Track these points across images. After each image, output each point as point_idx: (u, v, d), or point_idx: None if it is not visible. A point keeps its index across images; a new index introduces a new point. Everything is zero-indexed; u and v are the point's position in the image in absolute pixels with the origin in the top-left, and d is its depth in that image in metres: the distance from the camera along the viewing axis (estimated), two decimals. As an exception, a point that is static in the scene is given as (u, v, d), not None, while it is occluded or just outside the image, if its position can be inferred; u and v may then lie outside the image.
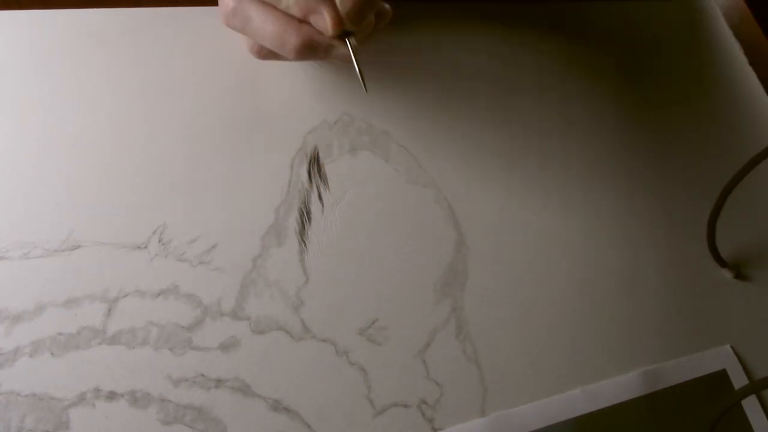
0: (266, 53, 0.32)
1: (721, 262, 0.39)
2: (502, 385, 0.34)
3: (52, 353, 0.29)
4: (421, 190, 0.37)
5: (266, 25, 0.29)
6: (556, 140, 0.40)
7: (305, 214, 0.34)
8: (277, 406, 0.31)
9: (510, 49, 0.42)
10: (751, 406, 0.37)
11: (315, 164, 0.35)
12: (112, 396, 0.29)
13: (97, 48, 0.35)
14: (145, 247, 0.32)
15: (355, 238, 0.35)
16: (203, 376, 0.30)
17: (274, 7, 0.29)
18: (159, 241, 0.32)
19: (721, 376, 0.37)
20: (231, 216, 0.33)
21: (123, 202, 0.32)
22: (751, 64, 0.47)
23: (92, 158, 0.33)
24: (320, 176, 0.35)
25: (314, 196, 0.35)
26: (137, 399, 0.29)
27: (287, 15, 0.29)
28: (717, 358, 0.37)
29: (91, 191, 0.32)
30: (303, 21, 0.30)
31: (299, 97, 0.36)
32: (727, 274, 0.39)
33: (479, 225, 0.37)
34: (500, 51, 0.42)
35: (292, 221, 0.34)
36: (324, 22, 0.29)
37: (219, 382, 0.30)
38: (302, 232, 0.34)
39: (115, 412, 0.29)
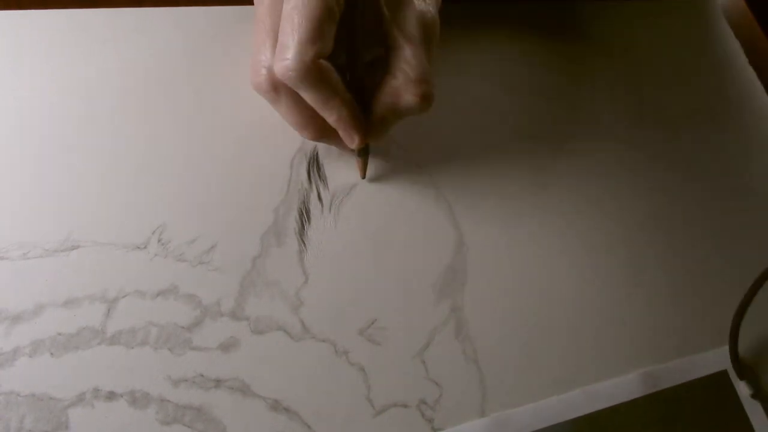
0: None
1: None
2: (502, 386, 0.34)
3: (51, 353, 0.29)
4: (421, 189, 0.37)
5: (290, 116, 0.31)
6: (555, 140, 0.40)
7: (305, 214, 0.34)
8: (277, 406, 0.31)
9: (510, 48, 0.42)
10: (751, 405, 0.37)
11: (314, 164, 0.35)
12: (111, 396, 0.29)
13: (97, 48, 0.35)
14: (145, 247, 0.32)
15: (354, 238, 0.35)
16: (202, 376, 0.30)
17: (302, 105, 0.30)
18: (158, 241, 0.32)
19: (722, 377, 0.37)
20: (230, 216, 0.33)
21: (122, 203, 0.32)
22: (751, 64, 0.47)
23: (91, 158, 0.33)
24: (320, 176, 0.35)
25: (314, 196, 0.35)
26: (136, 399, 0.29)
27: (313, 112, 0.31)
28: (717, 358, 0.37)
29: (90, 191, 0.32)
30: None
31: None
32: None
33: (479, 225, 0.37)
34: (500, 49, 0.42)
35: (292, 221, 0.34)
36: (351, 139, 0.31)
37: (218, 383, 0.30)
38: (302, 232, 0.34)
39: (114, 413, 0.29)
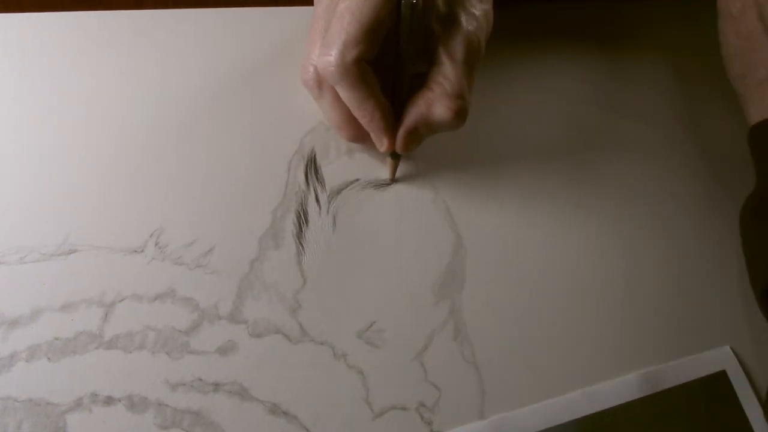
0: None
1: None
2: (501, 388, 0.33)
3: (48, 358, 0.29)
4: (419, 191, 0.36)
5: (330, 113, 0.33)
6: (555, 139, 0.40)
7: (302, 216, 0.34)
8: (275, 410, 0.30)
9: (510, 49, 0.42)
10: (751, 406, 0.37)
11: (312, 166, 0.35)
12: (109, 401, 0.29)
13: (97, 50, 0.35)
14: (142, 251, 0.32)
15: (352, 241, 0.34)
16: (201, 380, 0.30)
17: (342, 105, 0.32)
18: (155, 245, 0.32)
19: (721, 377, 0.37)
20: (228, 219, 0.33)
21: (119, 206, 0.32)
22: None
23: (89, 162, 0.33)
24: (317, 178, 0.35)
25: (311, 199, 0.35)
26: (134, 404, 0.29)
27: (351, 114, 0.32)
28: (717, 359, 0.37)
29: (87, 195, 0.32)
30: None
31: (296, 100, 0.36)
32: None
33: (477, 227, 0.36)
34: (500, 49, 0.42)
35: (290, 224, 0.34)
36: (380, 142, 0.33)
37: (216, 386, 0.30)
38: (299, 235, 0.34)
39: (112, 417, 0.29)
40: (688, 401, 0.36)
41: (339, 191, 0.35)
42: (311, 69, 0.32)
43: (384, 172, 0.36)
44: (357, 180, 0.36)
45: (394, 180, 0.36)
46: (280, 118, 0.36)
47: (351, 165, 0.36)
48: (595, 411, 0.34)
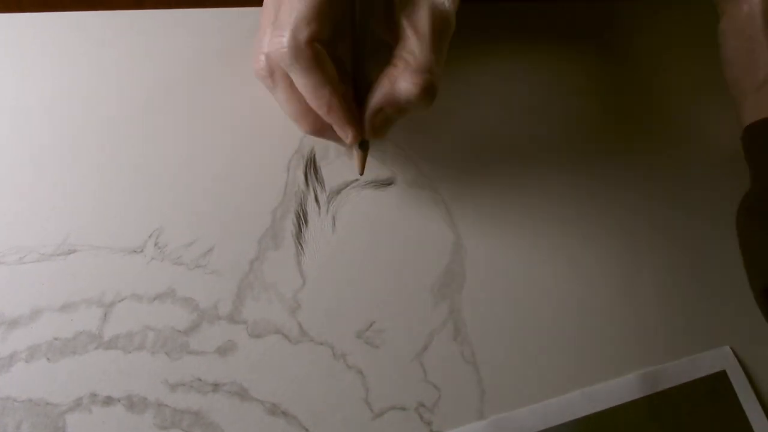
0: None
1: None
2: (501, 388, 0.33)
3: (48, 358, 0.29)
4: (418, 191, 0.36)
5: (286, 105, 0.31)
6: (555, 140, 0.40)
7: (302, 216, 0.34)
8: (275, 410, 0.30)
9: (510, 50, 0.42)
10: (751, 406, 0.37)
11: (312, 166, 0.35)
12: (108, 401, 0.29)
13: (97, 50, 0.35)
14: (141, 251, 0.32)
15: (351, 241, 0.34)
16: (200, 380, 0.30)
17: (298, 93, 0.29)
18: (155, 245, 0.32)
19: (721, 378, 0.37)
20: (227, 219, 0.33)
21: (119, 206, 0.32)
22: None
23: (88, 162, 0.33)
24: (317, 179, 0.35)
25: (311, 199, 0.35)
26: (134, 404, 0.29)
27: (308, 105, 0.29)
28: (716, 359, 0.37)
29: (86, 195, 0.32)
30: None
31: (295, 99, 0.36)
32: None
33: (476, 227, 0.36)
34: (499, 50, 0.42)
35: (289, 224, 0.34)
36: (344, 133, 0.30)
37: (216, 387, 0.30)
38: (299, 235, 0.34)
39: (111, 417, 0.29)
40: (688, 401, 0.36)
41: (338, 191, 0.35)
42: (263, 58, 0.29)
43: (384, 172, 0.36)
44: (356, 180, 0.36)
45: (362, 173, 0.33)
46: (280, 118, 0.36)
47: (350, 165, 0.36)
48: (595, 411, 0.34)
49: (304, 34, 0.27)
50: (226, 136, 0.35)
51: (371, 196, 0.36)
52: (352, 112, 0.30)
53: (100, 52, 0.35)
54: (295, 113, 0.31)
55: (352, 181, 0.36)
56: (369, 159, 0.36)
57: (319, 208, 0.35)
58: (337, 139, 0.32)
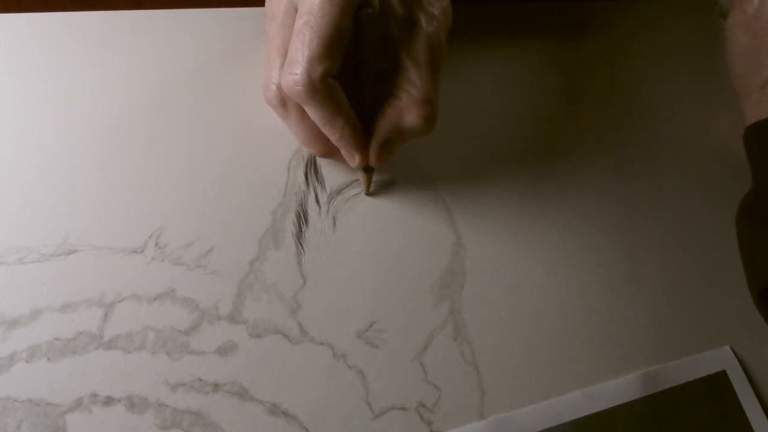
0: None
1: None
2: (501, 388, 0.33)
3: (48, 358, 0.29)
4: (419, 191, 0.36)
5: (298, 131, 0.32)
6: (554, 139, 0.40)
7: (302, 216, 0.34)
8: (275, 410, 0.30)
9: (511, 51, 0.42)
10: (751, 406, 0.37)
11: (312, 167, 0.35)
12: (108, 401, 0.29)
13: (97, 51, 0.35)
14: (142, 251, 0.32)
15: (352, 241, 0.34)
16: (200, 380, 0.30)
17: (309, 121, 0.31)
18: (155, 245, 0.32)
19: (721, 378, 0.37)
20: (228, 219, 0.33)
21: (119, 206, 0.32)
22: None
23: (88, 162, 0.33)
24: (317, 178, 0.35)
25: (311, 199, 0.35)
26: (134, 404, 0.29)
27: (319, 130, 0.31)
28: (716, 359, 0.37)
29: (87, 195, 0.32)
30: None
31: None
32: None
33: (477, 226, 0.36)
34: (500, 52, 0.42)
35: (289, 224, 0.34)
36: (352, 159, 0.32)
37: (216, 387, 0.30)
38: (299, 235, 0.34)
39: (112, 418, 0.29)
40: (688, 401, 0.36)
41: (339, 191, 0.35)
42: (273, 87, 0.30)
43: (384, 172, 0.36)
44: (357, 180, 0.36)
45: (368, 193, 0.35)
46: (279, 118, 0.36)
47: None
48: (595, 411, 0.34)
49: (318, 72, 0.28)
50: (226, 136, 0.35)
51: (371, 195, 0.36)
52: (361, 139, 0.31)
53: (100, 52, 0.35)
54: (307, 139, 0.32)
55: (353, 181, 0.36)
56: (369, 159, 0.36)
57: (320, 208, 0.35)
58: (343, 161, 0.33)
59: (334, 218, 0.35)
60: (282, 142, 0.35)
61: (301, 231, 0.34)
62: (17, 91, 0.33)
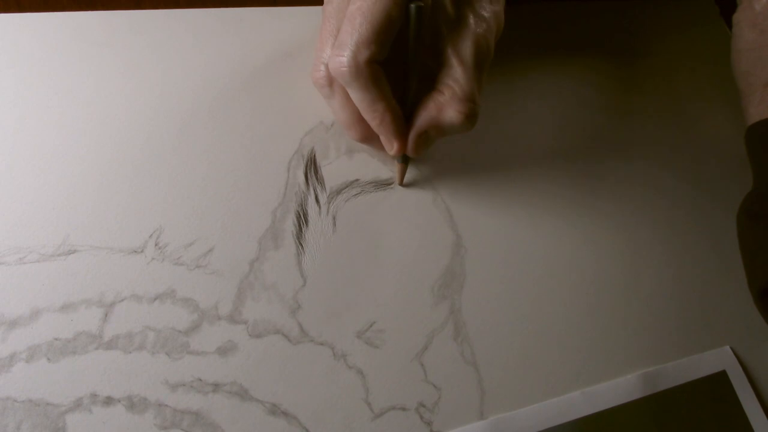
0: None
1: None
2: (501, 388, 0.33)
3: (48, 359, 0.29)
4: (419, 191, 0.36)
5: (340, 113, 0.33)
6: (554, 139, 0.40)
7: (302, 216, 0.34)
8: (275, 410, 0.30)
9: (511, 52, 0.42)
10: (751, 406, 0.37)
11: (312, 166, 0.35)
12: (108, 401, 0.29)
13: (96, 50, 0.35)
14: (142, 252, 0.32)
15: (352, 241, 0.34)
16: (200, 380, 0.30)
17: (352, 105, 0.32)
18: (155, 245, 0.32)
19: (721, 378, 0.37)
20: (227, 219, 0.33)
21: (119, 207, 0.32)
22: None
23: (89, 162, 0.33)
24: (317, 178, 0.35)
25: (311, 199, 0.35)
26: (134, 404, 0.29)
27: (360, 114, 0.32)
28: (717, 359, 0.37)
29: (86, 196, 0.32)
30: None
31: (295, 100, 0.36)
32: None
33: (477, 226, 0.36)
34: (501, 52, 0.42)
35: (289, 224, 0.34)
36: (390, 145, 0.33)
37: (216, 387, 0.30)
38: (299, 235, 0.34)
39: (111, 418, 0.29)
40: (688, 401, 0.36)
41: (339, 191, 0.35)
42: (322, 68, 0.31)
43: (384, 172, 0.36)
44: (357, 180, 0.36)
45: (402, 183, 0.36)
46: (279, 118, 0.36)
47: (351, 165, 0.36)
48: (595, 411, 0.34)
49: (364, 56, 0.29)
50: (225, 136, 0.35)
51: (372, 196, 0.36)
52: (401, 127, 0.32)
53: (100, 52, 0.35)
54: (347, 121, 0.33)
55: (353, 181, 0.36)
56: (370, 160, 0.36)
57: (320, 208, 0.35)
58: (380, 148, 0.34)
59: (334, 218, 0.35)
60: (282, 142, 0.35)
61: (301, 231, 0.34)
62: (17, 90, 0.33)
